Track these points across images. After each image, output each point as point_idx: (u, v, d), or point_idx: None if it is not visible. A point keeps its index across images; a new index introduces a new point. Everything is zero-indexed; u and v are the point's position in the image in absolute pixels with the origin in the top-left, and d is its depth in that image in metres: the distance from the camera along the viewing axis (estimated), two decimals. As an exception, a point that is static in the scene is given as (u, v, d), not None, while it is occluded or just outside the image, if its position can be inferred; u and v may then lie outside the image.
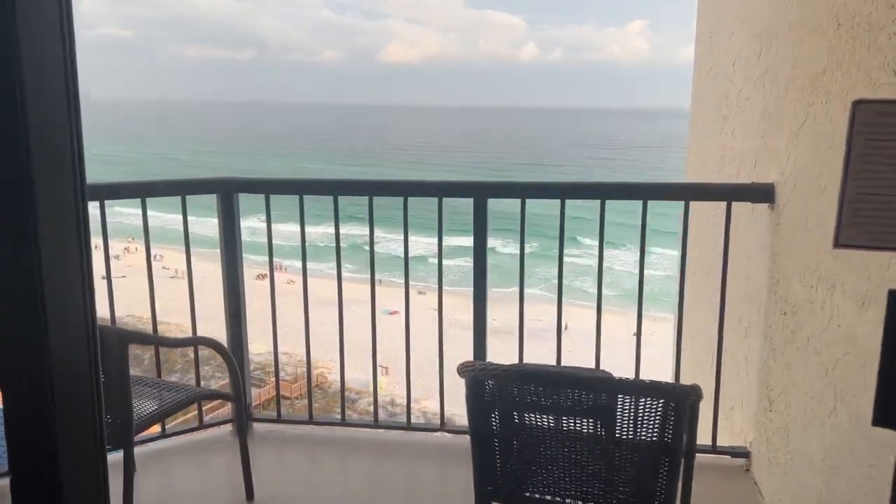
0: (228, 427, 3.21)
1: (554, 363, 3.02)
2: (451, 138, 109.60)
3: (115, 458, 2.30)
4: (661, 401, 1.68)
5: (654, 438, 1.74)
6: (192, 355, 3.20)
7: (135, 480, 2.35)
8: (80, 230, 0.97)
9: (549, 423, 1.90)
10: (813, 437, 2.24)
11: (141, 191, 2.98)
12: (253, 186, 3.18)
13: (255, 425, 3.24)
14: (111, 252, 2.82)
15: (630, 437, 1.79)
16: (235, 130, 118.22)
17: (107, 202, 2.85)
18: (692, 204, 3.11)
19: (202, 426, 3.18)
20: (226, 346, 3.18)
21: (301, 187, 3.05)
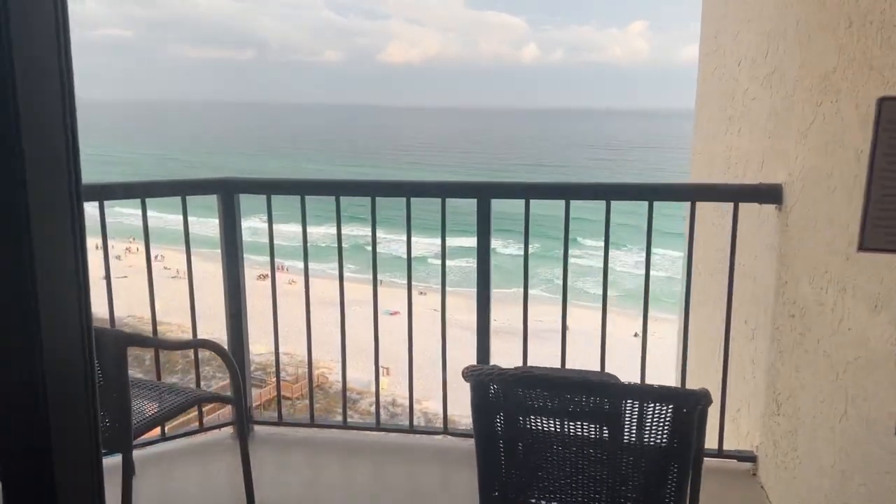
0: (229, 430, 3.17)
1: (557, 364, 3.00)
2: (452, 139, 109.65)
3: (113, 461, 2.27)
4: (671, 406, 1.65)
5: (664, 444, 1.71)
6: (192, 356, 3.16)
7: (134, 484, 2.31)
8: (75, 231, 0.95)
9: (555, 427, 1.87)
10: (822, 442, 2.20)
11: (141, 191, 2.94)
12: (254, 187, 3.14)
13: (256, 428, 3.21)
14: (112, 252, 2.78)
15: (638, 442, 1.76)
16: (236, 131, 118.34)
17: (107, 203, 2.83)
18: (697, 205, 3.07)
19: (202, 429, 3.15)
20: (226, 347, 3.16)
21: (303, 188, 3.02)
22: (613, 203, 2.81)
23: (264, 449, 3.08)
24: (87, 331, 0.96)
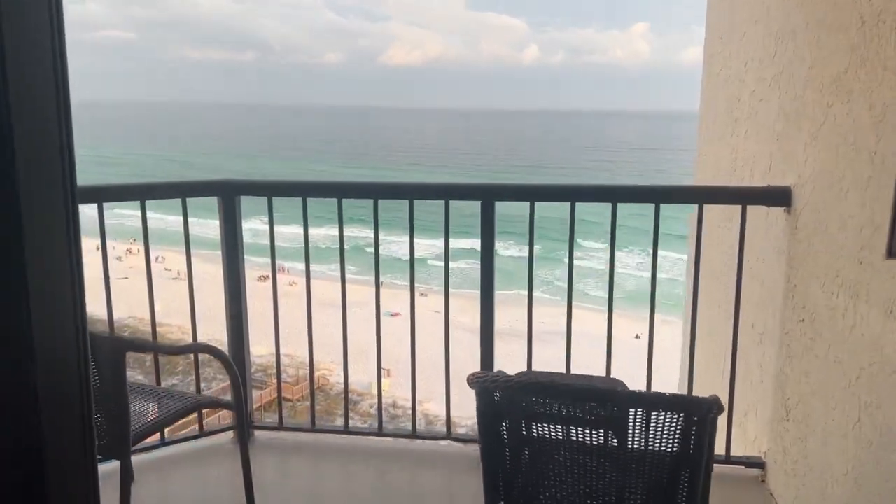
0: (229, 435, 3.13)
1: (559, 367, 2.95)
2: (453, 140, 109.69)
3: (112, 466, 2.23)
4: (682, 415, 1.61)
5: (675, 453, 1.67)
6: (193, 358, 3.12)
7: (132, 490, 2.28)
8: (70, 233, 0.92)
9: (562, 435, 1.83)
10: (834, 449, 2.16)
11: (141, 193, 2.90)
12: (255, 189, 3.10)
13: (257, 433, 3.17)
14: (113, 253, 2.75)
15: (647, 450, 1.72)
16: (237, 132, 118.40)
17: (107, 204, 2.79)
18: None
19: (202, 434, 3.11)
20: (226, 350, 3.12)
21: (305, 190, 2.98)
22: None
23: (265, 454, 3.04)
24: (83, 335, 0.94)
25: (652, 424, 1.65)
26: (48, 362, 0.89)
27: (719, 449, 2.85)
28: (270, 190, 3.03)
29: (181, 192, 2.95)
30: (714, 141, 3.96)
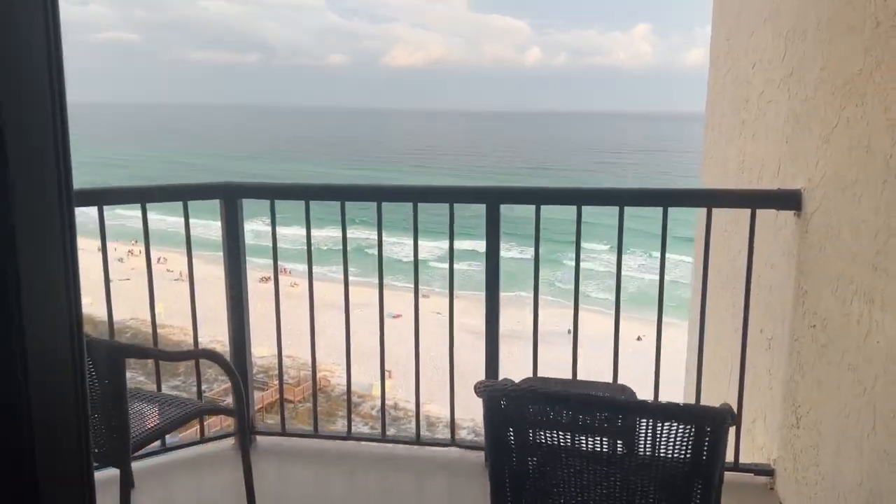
0: (230, 440, 3.09)
1: (563, 370, 2.91)
2: (456, 142, 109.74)
3: (111, 473, 2.20)
4: (694, 426, 1.57)
5: (687, 463, 1.62)
6: (198, 339, 3.08)
7: (133, 497, 2.24)
8: (65, 236, 0.89)
9: (570, 443, 1.80)
10: (847, 459, 2.12)
11: (142, 196, 2.87)
12: (258, 192, 3.07)
13: (259, 438, 3.13)
14: (115, 255, 2.72)
15: (658, 460, 1.68)
16: (240, 134, 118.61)
17: (108, 206, 2.76)
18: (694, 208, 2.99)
19: (203, 440, 3.07)
20: (228, 353, 3.08)
21: (308, 193, 2.94)
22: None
23: (267, 460, 3.00)
24: (79, 342, 0.90)
25: (664, 434, 1.61)
26: (42, 371, 0.86)
27: (727, 455, 2.81)
28: (273, 193, 2.99)
29: (183, 195, 2.91)
30: (720, 143, 3.92)
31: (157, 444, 2.89)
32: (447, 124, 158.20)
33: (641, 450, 1.69)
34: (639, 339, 21.13)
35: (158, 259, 28.35)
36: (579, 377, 2.96)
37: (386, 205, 2.89)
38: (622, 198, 2.74)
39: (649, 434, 1.64)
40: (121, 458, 2.09)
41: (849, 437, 2.11)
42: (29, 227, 0.84)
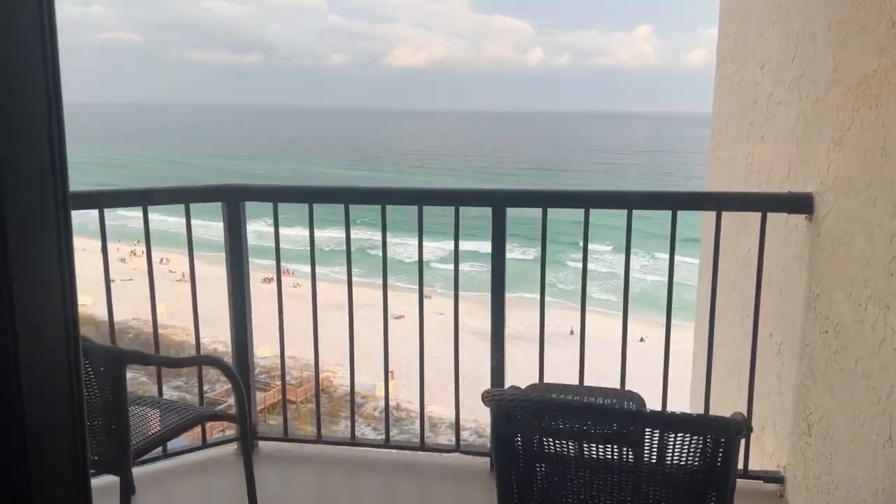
0: (233, 446, 3.05)
1: (567, 372, 2.87)
2: (457, 142, 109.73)
3: (112, 479, 2.16)
4: (708, 436, 1.53)
5: (700, 474, 1.59)
6: (200, 344, 3.04)
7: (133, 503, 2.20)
8: (60, 241, 0.86)
9: (579, 452, 1.76)
10: (862, 468, 2.08)
11: (143, 199, 2.83)
12: (260, 194, 3.03)
13: (261, 444, 3.09)
14: (117, 255, 2.69)
15: (671, 471, 1.64)
16: (241, 134, 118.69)
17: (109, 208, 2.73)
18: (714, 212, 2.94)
19: (205, 445, 3.03)
20: (230, 356, 3.05)
21: (311, 195, 2.90)
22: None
23: (269, 466, 2.96)
24: (75, 347, 0.87)
25: (678, 445, 1.57)
26: (37, 378, 0.84)
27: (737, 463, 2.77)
28: (276, 196, 2.95)
29: (184, 197, 2.88)
30: (727, 145, 3.88)
31: (158, 449, 2.86)
32: (448, 125, 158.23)
33: (654, 460, 1.65)
34: (641, 340, 21.05)
35: (161, 260, 28.32)
36: (584, 380, 2.92)
37: (389, 206, 2.86)
38: (630, 201, 2.70)
39: (662, 444, 1.61)
40: (121, 466, 2.05)
41: (863, 445, 2.07)
42: (22, 229, 0.82)
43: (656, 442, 1.61)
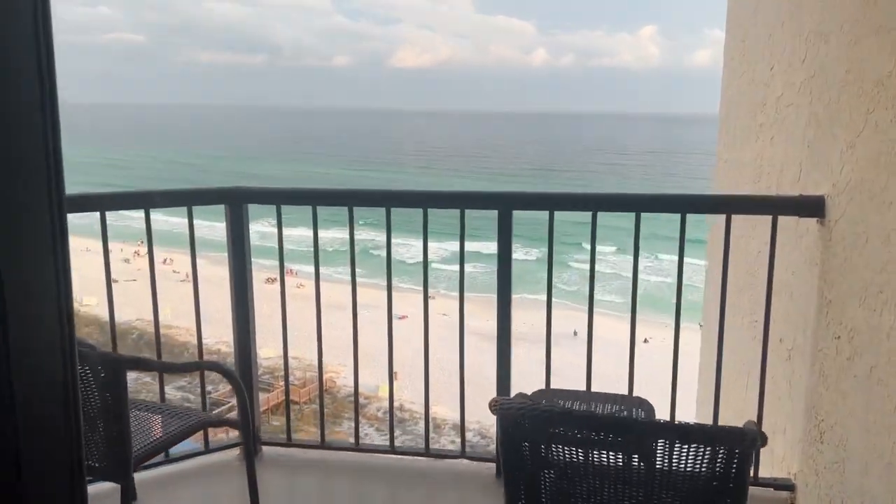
0: (235, 451, 3.02)
1: (571, 374, 2.83)
2: (460, 143, 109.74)
3: (113, 485, 2.14)
4: (722, 447, 1.49)
5: (714, 485, 1.55)
6: (200, 355, 3.01)
7: (135, 512, 2.17)
8: (56, 245, 0.83)
9: (588, 460, 1.72)
10: (877, 478, 2.03)
11: (145, 201, 2.79)
12: (264, 197, 2.99)
13: (265, 449, 3.05)
14: (121, 255, 2.66)
15: (683, 481, 1.60)
16: (247, 134, 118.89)
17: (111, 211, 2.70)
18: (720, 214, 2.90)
19: (207, 450, 3.00)
20: (233, 359, 3.02)
21: (315, 198, 2.86)
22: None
23: (272, 471, 2.93)
24: (70, 355, 0.85)
25: (691, 455, 1.53)
26: (30, 385, 0.82)
27: (747, 470, 2.72)
28: (279, 198, 2.92)
29: (187, 200, 2.84)
30: (735, 147, 3.83)
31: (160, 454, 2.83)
32: (452, 125, 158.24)
33: (665, 469, 1.62)
34: (646, 341, 20.98)
35: (164, 260, 28.34)
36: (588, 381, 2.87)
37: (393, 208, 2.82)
38: (639, 204, 2.66)
39: (674, 454, 1.57)
40: (121, 474, 2.02)
41: (878, 455, 2.02)
42: (15, 235, 0.80)
43: (668, 452, 1.57)
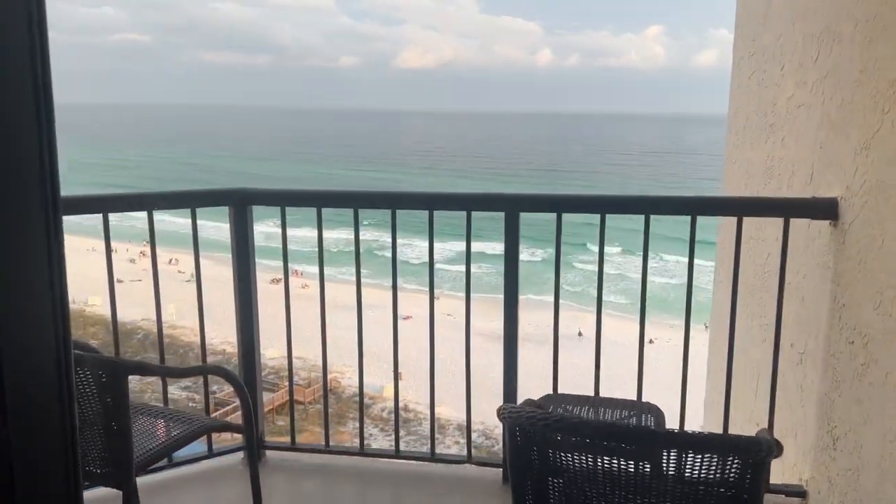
0: (239, 455, 2.99)
1: (575, 376, 2.80)
2: (465, 143, 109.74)
3: (115, 491, 2.11)
4: (736, 457, 1.45)
5: (728, 495, 1.51)
6: (206, 353, 2.99)
7: (137, 517, 2.14)
8: (51, 248, 0.81)
9: (596, 468, 1.68)
10: (893, 486, 1.99)
11: (149, 203, 2.77)
12: (268, 198, 2.96)
13: (268, 453, 3.02)
14: (127, 255, 2.63)
15: (696, 491, 1.56)
16: (251, 135, 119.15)
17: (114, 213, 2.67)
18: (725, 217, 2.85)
19: (211, 454, 2.97)
20: (237, 360, 2.99)
21: (320, 199, 2.83)
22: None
23: (276, 476, 2.90)
24: (66, 362, 0.83)
25: (704, 464, 1.49)
26: (23, 391, 0.80)
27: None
28: (285, 200, 2.89)
29: (191, 201, 2.82)
30: (745, 147, 3.79)
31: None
32: (457, 126, 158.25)
33: (677, 478, 1.58)
34: (651, 342, 20.96)
35: (170, 260, 28.43)
36: (591, 381, 2.83)
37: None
38: (649, 206, 2.62)
39: (686, 463, 1.53)
40: (123, 479, 1.99)
41: (894, 463, 1.98)
42: (7, 233, 0.78)
43: (680, 461, 1.53)
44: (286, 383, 19.88)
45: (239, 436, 3.14)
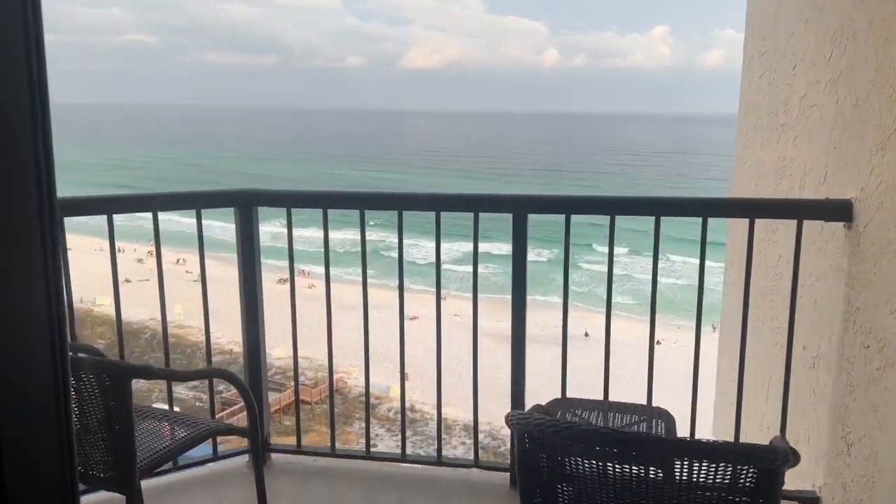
0: (245, 458, 2.97)
1: (580, 376, 2.76)
2: (470, 143, 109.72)
3: (119, 495, 2.09)
4: (751, 467, 1.41)
5: (741, 502, 1.47)
6: (211, 356, 2.97)
7: (141, 521, 2.11)
8: (47, 251, 0.80)
9: (606, 474, 1.65)
10: (910, 495, 1.95)
11: (154, 204, 2.74)
12: (274, 199, 2.94)
13: (274, 456, 3.00)
14: (134, 255, 2.61)
15: (708, 499, 1.53)
16: (256, 136, 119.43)
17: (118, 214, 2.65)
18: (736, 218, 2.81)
19: (216, 457, 2.95)
20: (243, 361, 2.96)
21: (326, 200, 2.80)
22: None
23: (281, 479, 2.88)
24: (62, 366, 0.81)
25: (719, 472, 1.45)
26: (17, 396, 0.79)
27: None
28: (290, 201, 2.86)
29: (195, 203, 2.79)
30: (755, 147, 3.74)
31: (167, 461, 2.78)
32: (461, 126, 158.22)
33: (690, 486, 1.54)
34: (658, 342, 20.90)
35: (178, 260, 28.48)
36: (598, 381, 2.80)
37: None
38: (658, 207, 2.58)
39: (701, 472, 1.49)
40: (126, 484, 1.97)
41: (911, 470, 1.94)
42: (3, 234, 0.77)
43: (692, 469, 1.50)
44: (292, 383, 19.85)
45: (244, 443, 3.12)
